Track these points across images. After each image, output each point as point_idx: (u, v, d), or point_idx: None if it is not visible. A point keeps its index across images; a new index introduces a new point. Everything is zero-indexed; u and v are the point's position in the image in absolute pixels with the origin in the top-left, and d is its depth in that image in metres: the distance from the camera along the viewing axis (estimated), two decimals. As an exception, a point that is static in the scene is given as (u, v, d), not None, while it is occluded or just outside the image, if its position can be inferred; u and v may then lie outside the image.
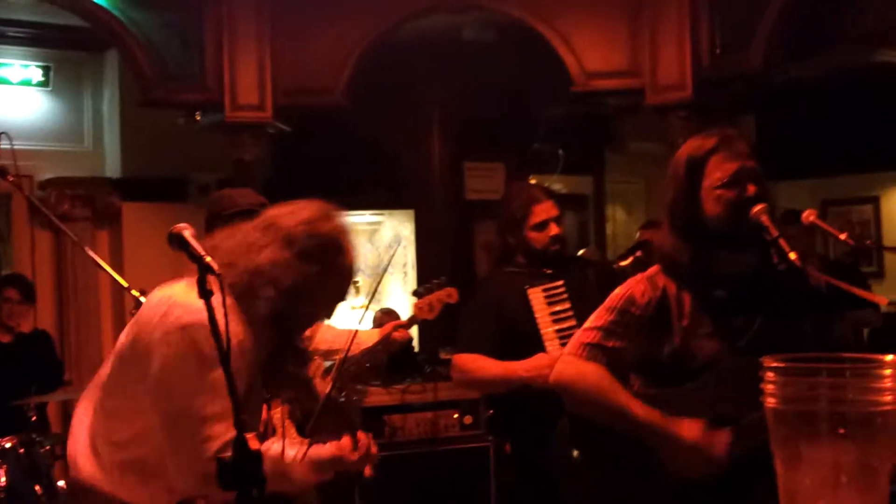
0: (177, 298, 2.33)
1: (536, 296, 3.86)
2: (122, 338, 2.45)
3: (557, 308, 3.84)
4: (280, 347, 2.48)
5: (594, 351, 2.60)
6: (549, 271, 3.92)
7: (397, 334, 4.10)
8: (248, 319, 2.37)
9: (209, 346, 2.11)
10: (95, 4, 6.05)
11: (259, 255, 2.39)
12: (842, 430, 1.67)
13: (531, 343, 3.78)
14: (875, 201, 8.97)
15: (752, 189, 2.54)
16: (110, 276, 3.92)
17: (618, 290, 2.66)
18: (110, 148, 7.66)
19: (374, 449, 2.62)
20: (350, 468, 2.61)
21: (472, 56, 7.16)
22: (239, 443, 1.93)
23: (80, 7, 6.11)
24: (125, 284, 3.78)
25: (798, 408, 1.71)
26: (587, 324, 2.68)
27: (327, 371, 4.08)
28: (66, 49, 7.47)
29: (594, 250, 7.20)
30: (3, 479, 4.57)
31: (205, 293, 2.04)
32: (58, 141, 7.52)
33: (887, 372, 1.72)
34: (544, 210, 3.93)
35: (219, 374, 2.03)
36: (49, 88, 7.49)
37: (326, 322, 4.20)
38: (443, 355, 6.14)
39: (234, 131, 6.47)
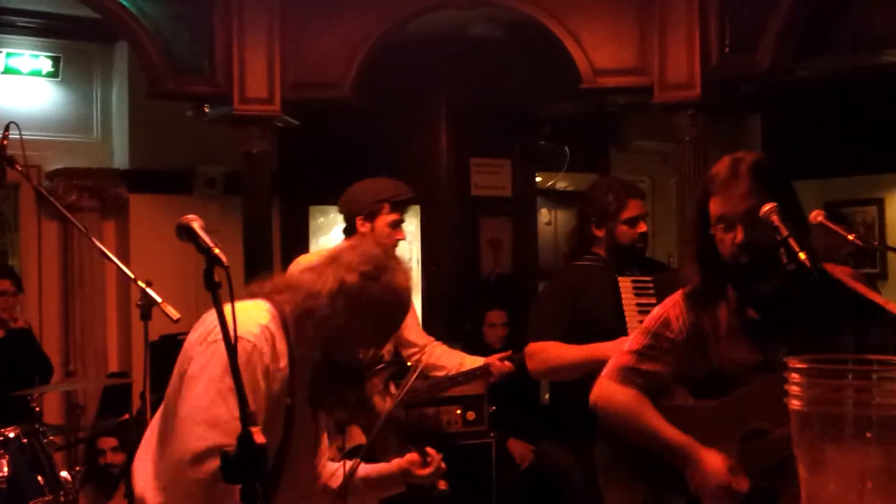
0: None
1: (626, 285, 3.86)
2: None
3: (643, 301, 3.83)
4: (328, 368, 2.49)
5: (628, 374, 2.72)
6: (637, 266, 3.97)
7: (498, 366, 4.31)
8: (297, 339, 2.41)
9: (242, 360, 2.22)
10: (105, -5, 6.07)
11: (315, 277, 2.45)
12: (868, 434, 1.62)
13: (609, 334, 3.76)
14: (879, 203, 8.94)
15: (739, 235, 2.52)
16: (116, 266, 3.93)
17: (655, 311, 2.77)
18: (118, 139, 7.67)
19: (443, 465, 2.74)
20: (422, 483, 2.73)
21: (480, 52, 7.17)
22: (244, 436, 1.94)
23: (91, -2, 6.13)
24: (131, 275, 3.80)
25: (823, 410, 1.66)
26: (625, 346, 2.80)
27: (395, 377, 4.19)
28: (75, 40, 7.46)
29: None
30: (6, 469, 4.53)
31: (211, 285, 2.05)
32: (66, 132, 7.52)
33: (916, 374, 1.66)
34: (637, 206, 4.00)
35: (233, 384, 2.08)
36: (58, 79, 7.48)
37: (437, 341, 4.42)
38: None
39: (241, 124, 6.47)
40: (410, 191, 4.40)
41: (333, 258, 2.49)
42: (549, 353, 3.91)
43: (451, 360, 4.59)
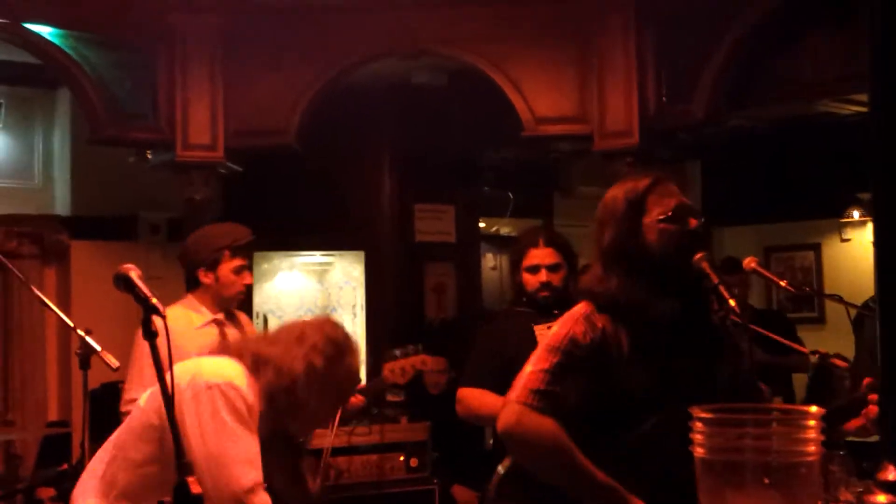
0: (203, 365, 2.57)
1: (542, 333, 3.90)
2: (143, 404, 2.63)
3: None
4: (275, 435, 2.62)
5: (545, 399, 2.51)
6: (557, 312, 3.87)
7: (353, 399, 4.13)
8: (263, 407, 2.57)
9: (238, 402, 2.46)
10: (47, 41, 6.03)
11: (281, 354, 2.60)
12: (767, 480, 1.70)
13: None
14: (816, 248, 9.13)
15: (693, 223, 2.63)
16: (57, 315, 3.91)
17: (558, 331, 2.60)
18: (60, 185, 7.61)
19: None
20: None
21: (423, 100, 7.24)
22: (180, 487, 1.95)
23: (32, 44, 6.08)
24: (71, 324, 3.77)
25: (724, 457, 1.74)
26: (530, 366, 2.58)
27: None
28: (17, 85, 7.40)
29: None
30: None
31: (149, 334, 2.07)
32: (7, 177, 7.44)
33: (811, 423, 1.76)
34: (538, 256, 4.03)
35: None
36: (-1, 125, 7.44)
37: None
38: (390, 398, 6.15)
39: (185, 171, 6.44)
40: (249, 233, 4.27)
41: (299, 337, 2.62)
42: (473, 400, 4.02)
43: None
